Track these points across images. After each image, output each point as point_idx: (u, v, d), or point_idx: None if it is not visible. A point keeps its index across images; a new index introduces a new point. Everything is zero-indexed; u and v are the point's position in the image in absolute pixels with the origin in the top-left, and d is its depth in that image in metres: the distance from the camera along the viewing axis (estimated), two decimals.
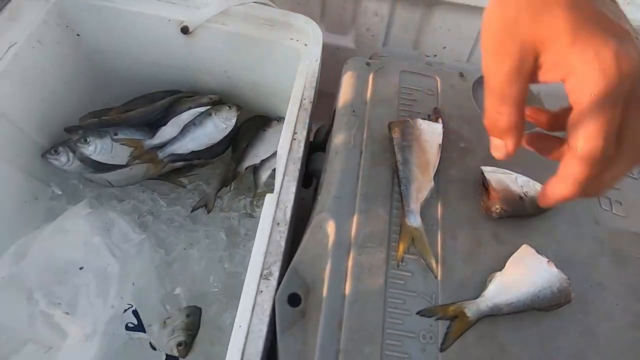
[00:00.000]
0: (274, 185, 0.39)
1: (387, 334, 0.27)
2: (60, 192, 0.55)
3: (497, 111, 0.24)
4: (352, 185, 0.33)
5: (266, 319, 0.32)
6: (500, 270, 0.29)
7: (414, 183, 0.31)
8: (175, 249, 0.54)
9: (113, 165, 0.52)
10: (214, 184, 0.57)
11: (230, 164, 0.59)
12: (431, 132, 0.34)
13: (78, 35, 0.54)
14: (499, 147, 0.25)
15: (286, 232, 0.36)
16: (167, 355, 0.44)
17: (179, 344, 0.40)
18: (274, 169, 0.60)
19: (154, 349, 0.44)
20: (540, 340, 0.28)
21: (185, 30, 0.51)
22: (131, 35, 0.54)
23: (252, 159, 0.60)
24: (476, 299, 0.28)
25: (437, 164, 0.33)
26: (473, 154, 0.36)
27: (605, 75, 0.21)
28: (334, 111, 0.40)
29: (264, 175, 0.60)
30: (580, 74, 0.21)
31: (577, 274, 0.30)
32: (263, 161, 0.60)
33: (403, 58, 0.42)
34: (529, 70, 0.23)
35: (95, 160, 0.51)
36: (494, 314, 0.28)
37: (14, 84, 0.46)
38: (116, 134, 0.51)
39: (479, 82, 0.41)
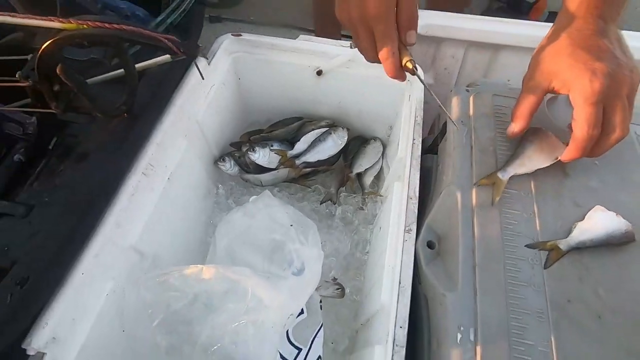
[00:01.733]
0: (376, 188, 0.55)
1: (507, 257, 0.41)
2: (223, 191, 0.74)
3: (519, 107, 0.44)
4: (468, 168, 0.49)
5: (411, 258, 0.47)
6: (580, 220, 0.43)
7: (517, 159, 0.47)
8: None
9: (266, 168, 0.71)
10: (334, 184, 0.75)
11: (344, 170, 0.77)
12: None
13: (239, 78, 0.77)
14: (512, 127, 0.46)
15: (416, 203, 0.51)
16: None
17: (337, 288, 0.56)
18: (375, 175, 0.77)
19: None
20: (615, 265, 0.41)
21: (319, 73, 0.72)
22: (277, 78, 0.75)
23: (358, 168, 0.78)
24: (564, 238, 0.42)
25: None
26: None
27: (584, 90, 0.37)
28: (435, 124, 0.57)
29: (368, 180, 0.77)
30: (574, 89, 0.38)
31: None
32: (366, 170, 0.78)
33: (493, 85, 0.58)
34: (541, 96, 0.43)
35: (256, 164, 0.71)
36: (579, 247, 0.41)
37: (210, 110, 0.68)
38: (272, 145, 0.71)
39: (551, 101, 0.56)
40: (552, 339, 0.37)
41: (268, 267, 0.47)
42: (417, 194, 0.52)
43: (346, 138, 0.77)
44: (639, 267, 0.41)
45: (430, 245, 0.47)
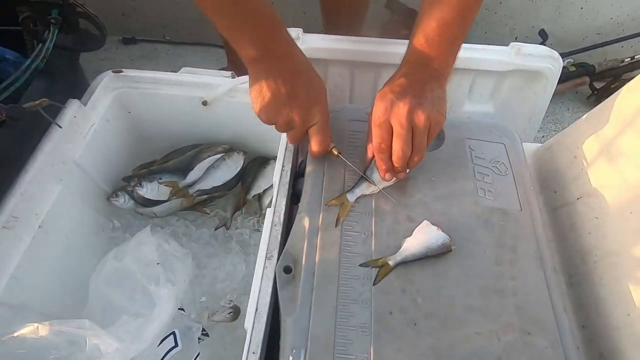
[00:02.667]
0: None
1: (342, 277, 0.46)
2: (120, 225, 0.75)
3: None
4: (318, 194, 0.53)
5: (270, 283, 0.50)
6: (408, 235, 0.48)
7: (362, 185, 0.51)
8: (203, 261, 0.73)
9: (158, 200, 0.73)
10: (230, 209, 0.77)
11: (240, 194, 0.79)
12: None
13: (129, 112, 0.77)
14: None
15: (280, 230, 0.55)
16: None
17: (230, 312, 0.58)
18: None
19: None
20: (434, 275, 0.46)
21: (205, 103, 0.74)
22: (166, 109, 0.76)
23: (257, 189, 0.80)
24: (394, 254, 0.47)
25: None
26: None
27: (397, 123, 0.46)
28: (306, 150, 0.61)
29: (266, 201, 0.80)
30: (393, 111, 0.48)
31: (460, 236, 0.49)
32: (265, 190, 0.81)
33: (352, 110, 0.63)
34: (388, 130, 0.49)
35: (146, 198, 0.72)
36: (405, 261, 0.46)
37: (91, 150, 0.68)
38: (161, 178, 0.72)
39: None
40: (372, 350, 0.41)
41: (134, 310, 0.49)
42: (282, 220, 0.55)
43: (242, 162, 0.80)
44: (453, 274, 0.46)
45: (286, 270, 0.50)
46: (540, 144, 0.73)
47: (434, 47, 0.49)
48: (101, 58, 1.34)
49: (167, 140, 0.82)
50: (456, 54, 0.53)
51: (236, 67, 1.12)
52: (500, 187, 0.55)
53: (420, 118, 0.46)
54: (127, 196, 0.73)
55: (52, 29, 0.55)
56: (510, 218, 0.52)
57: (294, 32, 0.83)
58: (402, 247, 0.47)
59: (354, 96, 0.92)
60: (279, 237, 0.54)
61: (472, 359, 0.42)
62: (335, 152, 0.55)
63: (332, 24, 1.12)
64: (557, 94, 1.30)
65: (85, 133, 0.66)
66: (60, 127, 0.57)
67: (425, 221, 0.49)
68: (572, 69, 1.26)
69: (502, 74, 0.83)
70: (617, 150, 0.53)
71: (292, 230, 0.52)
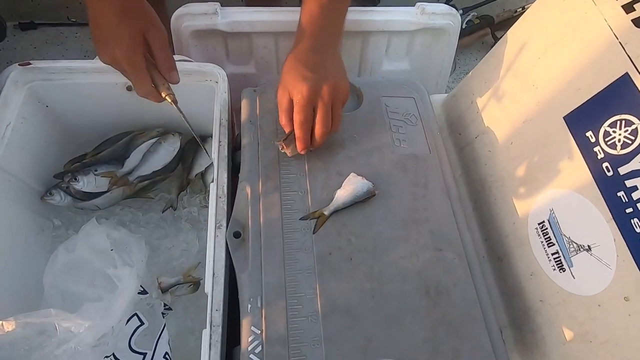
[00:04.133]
0: None
1: (285, 232, 0.52)
2: (61, 223, 0.74)
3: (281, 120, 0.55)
4: (255, 163, 0.58)
5: (223, 250, 0.55)
6: (339, 187, 0.56)
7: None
8: (155, 243, 0.75)
9: (98, 193, 0.72)
10: (174, 190, 0.79)
11: (182, 174, 0.81)
12: None
13: (47, 106, 0.73)
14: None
15: (225, 200, 0.59)
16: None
17: (190, 285, 0.63)
18: None
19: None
20: (363, 217, 0.55)
21: (129, 88, 0.73)
22: (88, 98, 0.74)
23: (199, 168, 0.83)
24: (328, 205, 0.54)
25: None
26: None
27: (297, 96, 0.50)
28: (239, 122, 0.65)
29: (210, 178, 0.82)
30: (293, 95, 0.52)
31: (382, 182, 0.57)
32: (207, 168, 0.83)
33: (276, 82, 0.67)
34: (290, 101, 0.53)
35: (84, 192, 0.71)
36: (338, 210, 0.54)
37: (13, 150, 0.65)
38: (96, 170, 0.72)
39: None
40: (317, 286, 0.49)
41: (96, 295, 0.51)
42: (226, 192, 0.60)
43: (178, 143, 0.81)
44: (379, 214, 0.55)
45: (236, 235, 0.55)
46: (448, 93, 0.84)
47: (327, 15, 0.54)
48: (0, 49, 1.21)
49: (95, 130, 0.80)
50: (344, 20, 0.58)
51: None
52: (412, 136, 0.64)
53: (339, 94, 0.51)
54: (62, 193, 0.72)
55: None
56: (422, 161, 0.61)
57: (211, 6, 0.82)
58: (334, 199, 0.55)
59: (281, 65, 0.95)
60: (225, 207, 0.58)
61: (398, 277, 0.51)
62: (170, 100, 0.54)
63: None
64: (465, 46, 1.44)
65: (2, 134, 0.63)
66: None
67: (352, 173, 0.57)
68: (476, 21, 1.40)
69: (412, 33, 0.91)
70: (501, 92, 0.64)
71: (236, 198, 0.57)
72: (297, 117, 0.52)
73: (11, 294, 0.61)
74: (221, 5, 0.84)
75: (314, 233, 0.53)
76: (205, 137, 0.86)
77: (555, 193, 0.53)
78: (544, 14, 0.56)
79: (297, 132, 0.53)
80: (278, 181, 0.56)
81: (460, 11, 1.40)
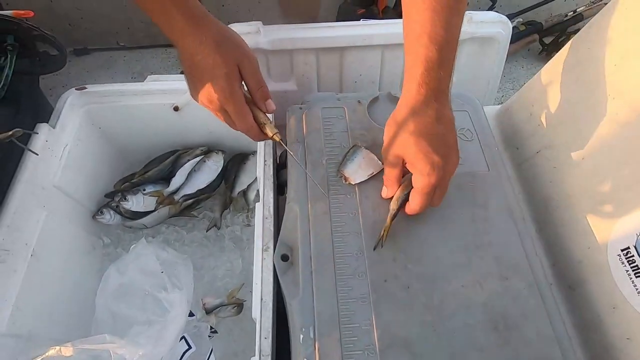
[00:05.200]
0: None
1: (336, 256, 0.49)
2: (110, 241, 0.75)
3: (385, 178, 0.51)
4: (303, 183, 0.56)
5: (270, 273, 0.53)
6: None
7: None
8: (199, 263, 0.75)
9: (146, 212, 0.73)
10: (217, 209, 0.79)
11: (226, 193, 0.81)
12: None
13: (100, 128, 0.76)
14: (384, 191, 0.53)
15: (272, 221, 0.58)
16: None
17: (234, 306, 0.61)
18: (258, 189, 0.82)
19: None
20: (420, 241, 0.51)
21: (176, 109, 0.74)
22: (138, 119, 0.76)
23: (241, 186, 0.82)
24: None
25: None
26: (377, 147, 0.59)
27: (423, 181, 0.46)
28: (285, 140, 0.63)
29: (252, 195, 0.82)
30: (416, 177, 0.46)
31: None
32: (249, 185, 0.83)
33: (322, 99, 0.65)
34: (398, 166, 0.49)
35: (133, 211, 0.72)
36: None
37: (69, 171, 0.68)
38: (144, 189, 0.73)
39: (372, 103, 0.65)
40: (373, 317, 0.45)
41: (145, 318, 0.51)
42: (272, 213, 0.58)
43: (222, 162, 0.81)
44: (436, 237, 0.51)
45: (284, 258, 0.53)
46: (500, 105, 0.79)
47: (444, 57, 0.43)
48: (55, 74, 1.29)
49: (144, 150, 0.82)
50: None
51: None
52: (468, 152, 0.59)
53: (447, 174, 0.46)
54: (112, 212, 0.74)
55: (9, 56, 0.53)
56: (479, 179, 0.57)
57: (254, 25, 0.83)
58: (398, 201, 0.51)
59: (321, 81, 0.94)
60: (272, 228, 0.57)
61: (461, 309, 0.47)
62: (277, 139, 0.51)
63: (289, 12, 1.12)
64: (510, 54, 1.37)
65: (60, 156, 0.66)
66: (37, 154, 0.57)
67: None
68: (522, 28, 1.33)
69: (459, 43, 0.87)
70: (568, 103, 0.58)
71: (283, 219, 0.55)
72: (415, 197, 0.47)
73: (65, 312, 0.62)
74: (263, 24, 0.85)
75: (381, 247, 0.49)
76: (247, 155, 0.86)
77: None
78: (622, 16, 0.51)
79: (412, 207, 0.48)
80: (328, 202, 0.54)
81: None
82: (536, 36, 1.29)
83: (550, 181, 0.61)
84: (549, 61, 0.65)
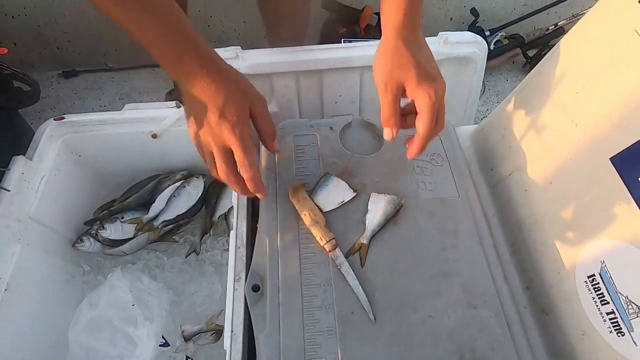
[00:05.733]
0: None
1: (304, 287, 0.49)
2: (90, 268, 0.76)
3: (387, 116, 0.49)
4: (274, 214, 0.56)
5: (242, 304, 0.53)
6: (367, 212, 0.53)
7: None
8: (179, 288, 0.75)
9: (125, 239, 0.74)
10: (197, 234, 0.79)
11: (206, 217, 0.81)
12: None
13: (79, 155, 0.77)
14: (388, 133, 0.50)
15: (244, 251, 0.58)
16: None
17: (212, 333, 0.61)
18: None
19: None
20: (388, 271, 0.51)
21: (154, 136, 0.75)
22: (117, 147, 0.77)
23: (222, 209, 0.83)
24: (363, 233, 0.51)
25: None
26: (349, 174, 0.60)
27: (428, 100, 0.46)
28: None
29: (233, 219, 0.82)
30: (420, 98, 0.46)
31: (407, 229, 0.53)
32: (229, 209, 0.83)
33: (295, 126, 0.66)
34: (399, 96, 0.48)
35: (112, 239, 0.72)
36: (375, 233, 0.51)
37: (46, 201, 0.68)
38: (123, 217, 0.73)
39: (344, 129, 0.66)
40: (339, 350, 0.46)
41: (117, 353, 0.51)
42: (245, 242, 0.59)
43: (202, 186, 0.81)
44: (404, 267, 0.51)
45: (254, 288, 0.53)
46: (476, 125, 0.79)
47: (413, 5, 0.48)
48: (44, 96, 1.30)
49: (124, 175, 0.83)
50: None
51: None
52: (439, 178, 0.60)
53: (443, 94, 0.48)
54: (92, 239, 0.74)
55: None
56: (450, 205, 0.57)
57: (232, 51, 0.84)
58: (366, 224, 0.52)
59: (302, 102, 0.95)
60: (244, 258, 0.57)
61: (428, 338, 0.47)
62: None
63: (275, 36, 1.13)
64: (495, 68, 1.38)
65: (37, 187, 0.66)
66: (8, 191, 0.57)
67: (372, 193, 0.55)
68: (505, 41, 1.34)
69: (438, 61, 0.88)
70: (537, 127, 0.59)
71: (254, 249, 0.55)
72: (426, 120, 0.46)
73: (42, 345, 0.62)
74: (242, 48, 0.86)
75: (362, 266, 0.50)
76: None
77: (607, 244, 0.46)
78: (583, 43, 0.52)
79: (423, 132, 0.47)
80: (297, 233, 0.54)
81: (488, 32, 1.36)
82: (519, 50, 1.30)
83: (522, 204, 0.61)
84: (520, 83, 0.65)
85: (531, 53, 1.36)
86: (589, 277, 0.49)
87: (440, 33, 0.86)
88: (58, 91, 1.34)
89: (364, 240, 0.52)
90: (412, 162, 0.61)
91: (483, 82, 0.95)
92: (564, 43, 0.55)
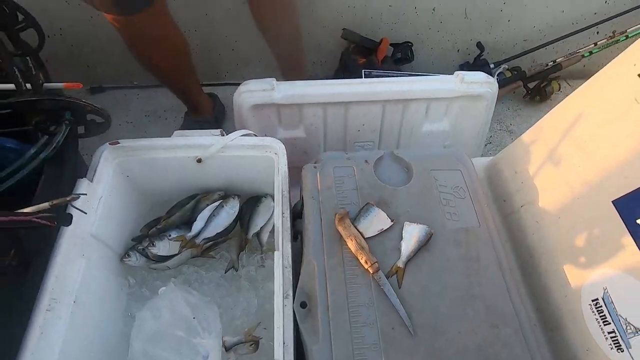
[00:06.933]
0: (272, 243, 0.68)
1: (350, 305, 0.57)
2: (135, 281, 0.82)
3: None
4: (319, 239, 0.64)
5: (291, 319, 0.60)
6: (402, 239, 0.61)
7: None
8: (218, 302, 0.81)
9: (170, 255, 0.80)
10: (234, 251, 0.86)
11: (241, 235, 0.88)
12: None
13: (127, 176, 0.83)
14: None
15: (290, 271, 0.65)
16: None
17: (251, 344, 0.68)
18: (270, 231, 0.90)
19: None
20: (422, 293, 0.59)
21: (199, 160, 0.82)
22: (164, 169, 0.83)
23: (254, 228, 0.90)
24: (399, 258, 0.59)
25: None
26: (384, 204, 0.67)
27: None
28: (301, 196, 0.71)
29: (265, 237, 0.90)
30: None
31: (437, 257, 0.61)
32: (262, 227, 0.90)
33: (333, 158, 0.74)
34: None
35: (160, 255, 0.79)
36: (409, 259, 0.59)
37: (104, 219, 0.74)
38: (170, 235, 0.80)
39: (377, 162, 0.74)
40: None
41: None
42: (291, 262, 0.66)
43: (238, 206, 0.88)
44: (436, 290, 0.59)
45: (303, 305, 0.61)
46: (490, 158, 0.88)
47: None
48: None
49: (162, 195, 0.89)
50: None
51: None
52: (462, 209, 0.68)
53: None
54: (137, 254, 0.80)
55: (64, 127, 0.61)
56: (472, 234, 0.65)
57: (269, 82, 0.92)
58: (401, 251, 0.60)
59: (328, 130, 1.03)
60: (290, 277, 0.64)
61: (458, 355, 0.54)
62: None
63: (271, 37, 1.20)
64: (498, 98, 1.48)
65: (96, 207, 0.73)
66: (85, 213, 0.64)
67: (405, 222, 0.63)
68: (508, 74, 1.45)
69: (451, 99, 0.97)
70: (546, 167, 0.68)
71: (302, 271, 0.63)
72: None
73: (102, 354, 0.68)
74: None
75: (400, 287, 0.58)
76: (260, 197, 0.94)
77: (609, 272, 0.55)
78: (585, 100, 0.61)
79: None
80: (342, 257, 0.62)
81: (492, 65, 1.47)
82: (520, 82, 1.41)
83: (533, 234, 0.70)
84: (533, 126, 0.74)
85: (531, 85, 1.47)
86: (593, 300, 0.57)
87: (457, 72, 0.96)
88: None
89: (400, 264, 0.60)
90: (439, 194, 0.70)
91: None
92: (577, 95, 0.64)
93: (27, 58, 0.64)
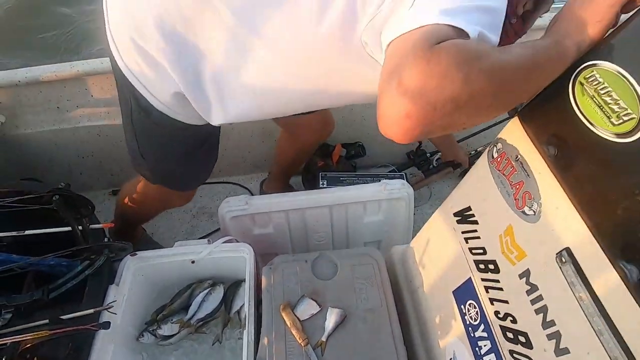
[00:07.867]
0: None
1: None
2: (147, 355, 1.11)
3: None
4: (271, 322, 0.94)
5: None
6: (325, 320, 0.91)
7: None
8: None
9: (172, 334, 1.11)
10: (220, 326, 1.16)
11: (225, 314, 1.19)
12: None
13: (142, 275, 1.16)
14: None
15: (253, 345, 0.95)
16: None
17: None
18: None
19: None
20: (344, 332, 0.88)
21: (193, 262, 1.15)
22: (168, 269, 1.17)
23: (235, 307, 1.20)
24: (323, 334, 0.89)
25: None
26: (316, 293, 0.99)
27: None
28: (261, 289, 1.03)
29: (243, 314, 1.20)
30: None
31: (350, 332, 0.92)
32: (241, 306, 1.21)
33: (284, 260, 1.07)
34: None
35: (165, 335, 1.10)
36: (329, 335, 0.89)
37: (126, 312, 1.06)
38: (172, 319, 1.11)
39: (315, 261, 1.06)
40: None
41: None
42: (253, 339, 0.96)
43: (222, 292, 1.20)
44: (351, 338, 0.89)
45: None
46: (406, 245, 1.20)
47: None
48: (98, 210, 1.73)
49: (166, 286, 1.22)
50: None
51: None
52: (370, 294, 0.99)
53: None
54: (149, 334, 1.11)
55: (103, 258, 0.95)
56: (376, 313, 0.96)
57: (242, 200, 1.28)
58: (325, 329, 0.90)
59: (291, 227, 1.36)
60: (253, 354, 0.94)
61: None
62: None
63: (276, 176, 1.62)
64: (438, 180, 1.83)
65: (122, 303, 1.05)
66: (115, 314, 0.96)
67: (329, 308, 0.93)
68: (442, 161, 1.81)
69: (380, 200, 1.32)
70: (421, 263, 0.99)
71: (260, 342, 0.93)
72: None
73: None
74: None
75: (322, 355, 0.87)
76: (240, 282, 1.25)
77: (453, 340, 0.85)
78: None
79: None
80: (284, 334, 0.92)
81: (429, 154, 1.84)
82: (451, 169, 1.77)
83: (426, 310, 1.00)
84: (430, 218, 1.07)
85: (461, 170, 1.82)
86: (450, 359, 0.86)
87: (382, 181, 1.31)
88: (109, 207, 1.77)
89: (323, 338, 0.90)
90: (355, 284, 1.01)
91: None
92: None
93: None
